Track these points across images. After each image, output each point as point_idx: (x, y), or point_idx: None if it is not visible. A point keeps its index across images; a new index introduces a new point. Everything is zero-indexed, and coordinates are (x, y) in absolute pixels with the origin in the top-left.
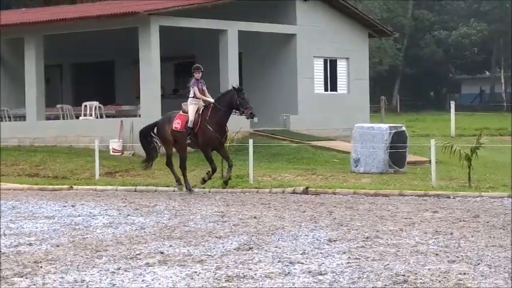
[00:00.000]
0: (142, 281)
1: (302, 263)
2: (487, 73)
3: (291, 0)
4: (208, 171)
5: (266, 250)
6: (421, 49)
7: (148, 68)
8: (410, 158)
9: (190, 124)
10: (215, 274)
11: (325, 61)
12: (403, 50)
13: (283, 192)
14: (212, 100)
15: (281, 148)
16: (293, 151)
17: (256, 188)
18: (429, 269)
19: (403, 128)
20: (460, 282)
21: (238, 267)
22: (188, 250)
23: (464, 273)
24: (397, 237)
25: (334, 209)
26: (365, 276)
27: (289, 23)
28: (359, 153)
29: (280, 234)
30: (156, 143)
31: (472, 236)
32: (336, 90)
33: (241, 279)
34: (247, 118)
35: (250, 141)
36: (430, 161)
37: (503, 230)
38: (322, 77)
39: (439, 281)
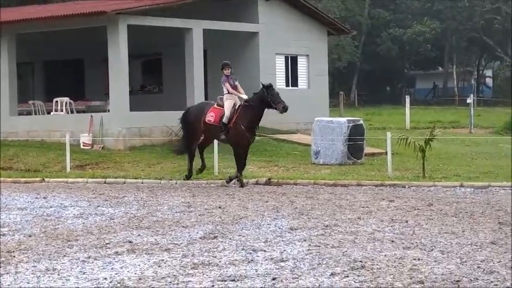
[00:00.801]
0: (112, 269)
1: (265, 251)
2: (440, 69)
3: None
4: (237, 175)
5: (230, 238)
6: (378, 46)
7: (117, 65)
8: (367, 149)
9: (225, 120)
10: (181, 262)
11: (287, 58)
12: (361, 47)
13: (247, 183)
14: (245, 96)
15: None
16: (256, 144)
17: (221, 179)
18: (385, 255)
19: (361, 122)
20: (415, 267)
21: (203, 255)
22: (155, 239)
23: (419, 259)
24: (355, 225)
25: (296, 199)
26: (324, 262)
27: (251, 21)
28: (319, 145)
29: (243, 224)
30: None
31: (426, 224)
32: (296, 86)
33: (207, 267)
34: (281, 112)
35: None
36: (386, 153)
37: (456, 217)
38: (284, 73)
39: (395, 267)
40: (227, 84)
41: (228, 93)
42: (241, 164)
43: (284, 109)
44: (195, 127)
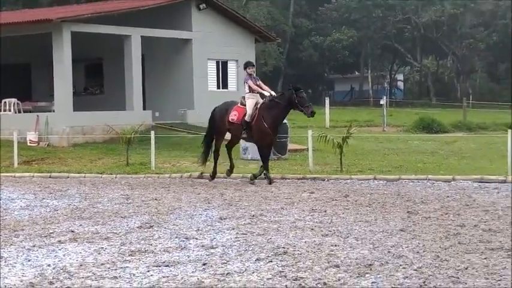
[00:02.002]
0: (55, 256)
1: (196, 239)
2: (357, 73)
3: (187, 9)
4: (261, 167)
5: (165, 228)
6: (300, 52)
7: (61, 69)
8: (291, 146)
9: (248, 118)
10: (119, 249)
11: (217, 63)
12: (285, 53)
13: (181, 177)
14: (267, 93)
15: (179, 139)
16: (190, 141)
17: (157, 173)
18: (305, 241)
19: (285, 121)
20: (332, 252)
21: (140, 243)
22: (96, 229)
23: (336, 245)
24: (279, 214)
25: (225, 191)
26: (250, 249)
27: (185, 29)
28: (247, 142)
29: (177, 214)
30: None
31: (343, 213)
32: (226, 88)
33: (143, 254)
34: (308, 116)
35: (152, 132)
36: (307, 149)
37: (369, 207)
38: (215, 76)
39: (314, 252)
40: (250, 82)
41: (250, 91)
42: (266, 162)
43: (312, 114)
44: (219, 126)
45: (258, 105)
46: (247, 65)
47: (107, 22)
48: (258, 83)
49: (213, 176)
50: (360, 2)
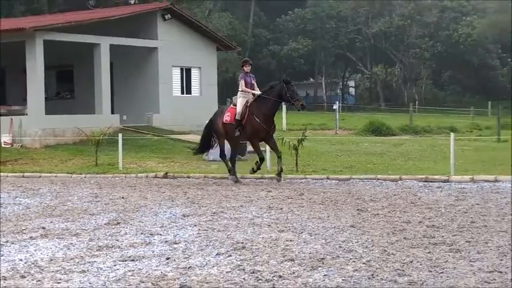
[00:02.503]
0: (27, 251)
1: (160, 234)
2: (311, 80)
3: (153, 19)
4: (257, 161)
5: (131, 224)
6: (259, 60)
7: (34, 75)
8: (250, 148)
9: (238, 116)
10: (88, 245)
11: (182, 69)
12: None
13: (147, 176)
14: (258, 92)
15: (145, 141)
16: (155, 143)
17: (124, 173)
18: (263, 237)
19: None
20: (287, 247)
21: (107, 239)
22: (66, 225)
23: (291, 240)
24: (238, 212)
25: (188, 190)
26: (211, 244)
27: (151, 38)
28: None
29: (143, 211)
30: (213, 138)
31: (298, 210)
32: (190, 93)
33: (110, 249)
34: (298, 110)
35: (120, 135)
36: (265, 151)
37: (322, 205)
38: (179, 82)
39: (270, 247)
40: (242, 82)
41: (241, 91)
42: (279, 152)
43: (303, 107)
44: (216, 128)
45: (248, 103)
46: (243, 62)
47: (78, 31)
48: (252, 82)
49: (230, 172)
50: (315, 14)
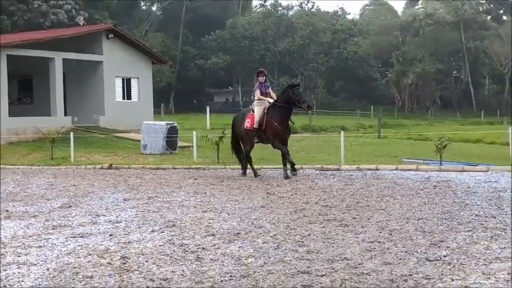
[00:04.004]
0: None
1: (105, 215)
2: (230, 88)
3: (99, 37)
4: (291, 162)
5: (80, 207)
6: (187, 72)
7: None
8: (180, 143)
9: (256, 125)
10: (44, 224)
11: (123, 79)
12: (176, 73)
13: (95, 168)
14: (272, 101)
15: (93, 138)
16: (102, 140)
17: (75, 165)
18: (190, 216)
19: (175, 124)
20: (209, 224)
21: (60, 220)
22: (26, 209)
23: (212, 219)
24: (170, 196)
25: (129, 178)
26: (147, 223)
27: (97, 53)
28: (146, 141)
29: (91, 196)
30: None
31: (219, 194)
32: (130, 99)
33: (63, 228)
34: (306, 111)
35: (71, 133)
36: (193, 146)
37: (238, 190)
38: (121, 90)
39: (196, 224)
40: (258, 91)
41: (258, 99)
42: (288, 155)
43: (309, 107)
44: (239, 133)
45: (265, 110)
46: (258, 72)
47: (36, 47)
48: (267, 91)
49: (255, 174)
50: (232, 34)
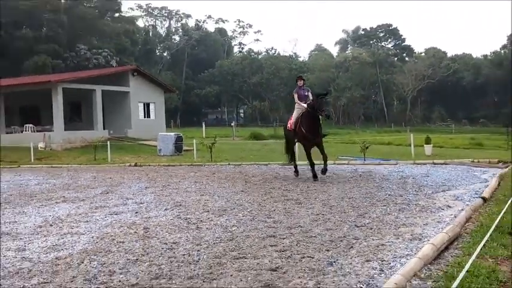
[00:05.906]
0: (53, 210)
1: (132, 199)
2: (219, 109)
3: (126, 75)
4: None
5: (115, 193)
6: (190, 98)
7: (56, 108)
8: (185, 148)
9: (293, 126)
10: (90, 206)
11: (144, 104)
12: (181, 99)
13: (125, 165)
14: (305, 105)
15: (124, 145)
16: (129, 146)
17: (111, 164)
18: (192, 198)
19: (181, 134)
20: (205, 204)
21: (101, 202)
22: (77, 195)
23: (207, 200)
24: (178, 184)
25: (149, 173)
26: (162, 203)
27: (126, 86)
28: (161, 146)
29: (122, 186)
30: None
31: (212, 183)
32: (149, 117)
33: (103, 208)
34: (324, 118)
35: (108, 142)
36: (193, 149)
37: (225, 179)
38: (143, 111)
39: (196, 204)
40: (296, 95)
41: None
42: (324, 156)
43: (327, 116)
44: (285, 133)
45: (300, 115)
46: (298, 78)
47: (83, 82)
48: (306, 94)
49: (296, 172)
50: (220, 72)
